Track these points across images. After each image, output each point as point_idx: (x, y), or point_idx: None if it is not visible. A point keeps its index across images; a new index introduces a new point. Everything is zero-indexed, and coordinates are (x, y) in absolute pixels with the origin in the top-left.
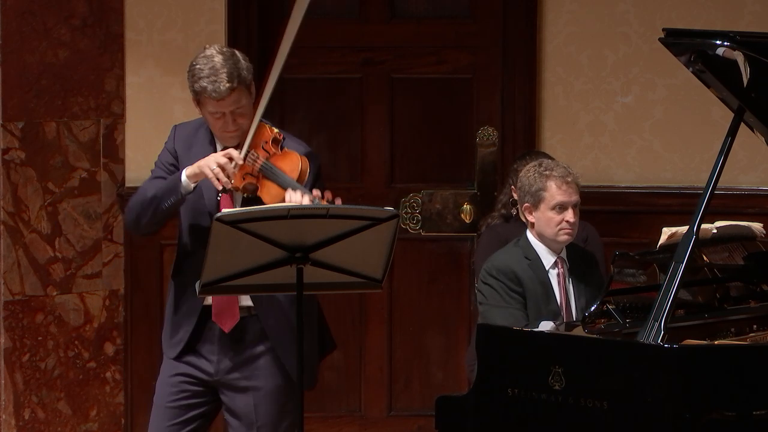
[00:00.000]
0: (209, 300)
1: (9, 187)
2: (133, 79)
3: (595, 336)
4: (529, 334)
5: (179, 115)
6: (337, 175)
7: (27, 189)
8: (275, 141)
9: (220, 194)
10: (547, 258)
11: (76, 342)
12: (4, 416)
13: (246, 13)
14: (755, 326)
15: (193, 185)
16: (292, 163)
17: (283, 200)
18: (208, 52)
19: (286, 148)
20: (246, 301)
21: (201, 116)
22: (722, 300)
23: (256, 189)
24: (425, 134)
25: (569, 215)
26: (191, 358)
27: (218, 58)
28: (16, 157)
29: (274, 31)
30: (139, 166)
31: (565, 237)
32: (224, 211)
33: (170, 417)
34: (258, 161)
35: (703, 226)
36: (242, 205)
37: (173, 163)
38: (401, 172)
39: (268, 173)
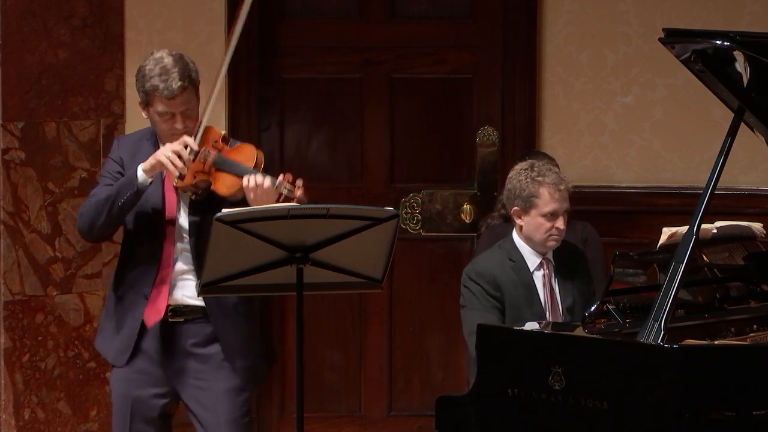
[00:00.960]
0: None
1: (9, 187)
2: (133, 79)
3: (595, 336)
4: (529, 334)
5: None
6: (337, 175)
7: (27, 189)
8: (224, 139)
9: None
10: (532, 259)
11: (76, 342)
12: (4, 416)
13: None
14: (755, 326)
15: (150, 179)
16: (246, 153)
17: (241, 189)
18: (157, 55)
19: (238, 143)
20: (199, 301)
21: (140, 129)
22: (722, 300)
23: (209, 185)
24: (425, 134)
25: (560, 223)
26: (145, 370)
27: (168, 60)
28: (16, 157)
29: (274, 31)
30: None
31: (553, 243)
32: (224, 211)
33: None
34: (209, 157)
35: (703, 226)
36: (190, 207)
37: (120, 171)
38: (401, 172)
39: (221, 165)
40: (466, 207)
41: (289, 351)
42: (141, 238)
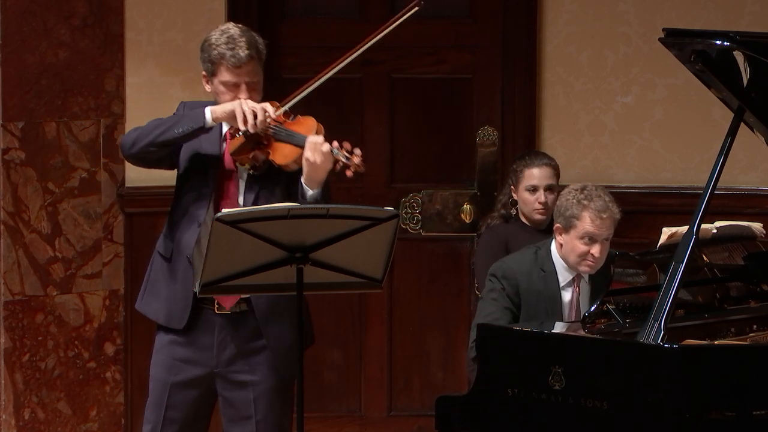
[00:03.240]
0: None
1: (9, 187)
2: (133, 79)
3: (595, 336)
4: (529, 334)
5: None
6: (337, 175)
7: (27, 189)
8: (285, 114)
9: (224, 140)
10: (564, 275)
11: (76, 342)
12: (4, 416)
13: (246, 13)
14: (755, 326)
15: (212, 124)
16: (307, 123)
17: (298, 159)
18: (223, 26)
19: (298, 117)
20: (243, 306)
21: (203, 100)
22: (722, 300)
23: (267, 156)
24: (425, 134)
25: (596, 249)
26: (191, 353)
27: (235, 29)
28: (16, 157)
29: (274, 31)
30: None
31: (586, 269)
32: (224, 211)
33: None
34: (268, 129)
35: (703, 226)
36: (246, 181)
37: None
38: (401, 172)
39: (280, 136)
40: (466, 207)
41: None
42: (196, 182)
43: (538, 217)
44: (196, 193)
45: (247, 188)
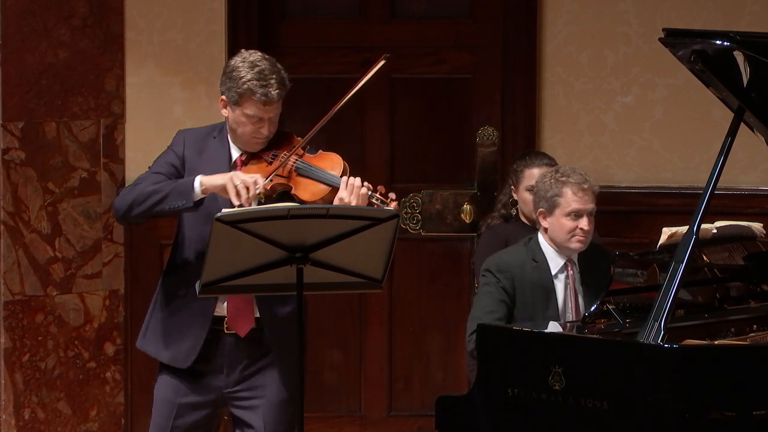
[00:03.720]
0: (220, 310)
1: (9, 187)
2: (133, 79)
3: (595, 336)
4: (529, 334)
5: (179, 115)
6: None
7: (27, 189)
8: (303, 147)
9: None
10: (556, 261)
11: (76, 342)
12: (4, 416)
13: (246, 13)
14: (755, 326)
15: (201, 197)
16: (332, 160)
17: (326, 197)
18: (251, 57)
19: (320, 151)
20: (256, 313)
21: (205, 125)
22: (722, 300)
23: (288, 190)
24: (425, 134)
25: (584, 222)
26: (198, 376)
27: (264, 64)
28: (16, 157)
29: (274, 31)
30: (139, 166)
31: (578, 245)
32: (224, 211)
33: None
34: (289, 162)
35: (703, 226)
36: (258, 203)
37: (175, 165)
38: (401, 172)
39: (303, 171)
40: (466, 207)
41: None
42: (202, 236)
43: None
44: (207, 225)
45: None
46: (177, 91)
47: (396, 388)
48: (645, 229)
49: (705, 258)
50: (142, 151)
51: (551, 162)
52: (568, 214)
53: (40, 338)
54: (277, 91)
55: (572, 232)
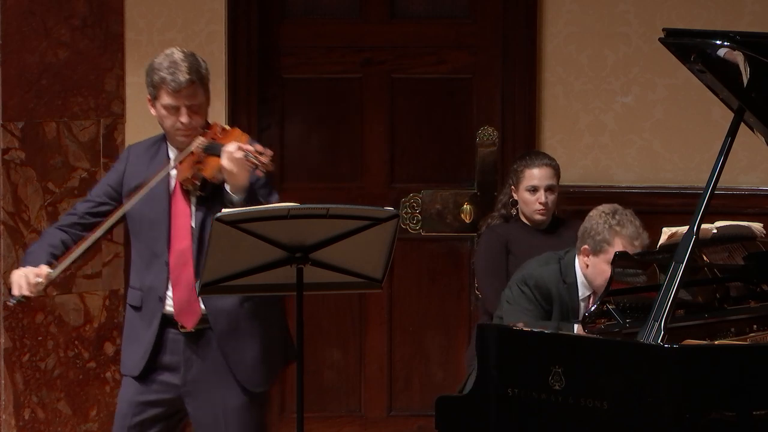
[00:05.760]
0: (167, 308)
1: (9, 187)
2: (133, 79)
3: (595, 336)
4: (529, 334)
5: None
6: (337, 175)
7: (27, 189)
8: (223, 130)
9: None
10: (583, 290)
11: (76, 342)
12: (4, 416)
13: (246, 13)
14: (755, 326)
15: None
16: (233, 134)
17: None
18: (168, 51)
19: (227, 128)
20: (206, 324)
21: (154, 135)
22: (722, 300)
23: (203, 177)
24: (425, 134)
25: None
26: (155, 376)
27: (178, 54)
28: (16, 157)
29: (274, 31)
30: None
31: None
32: (224, 211)
33: None
34: (201, 144)
35: (703, 226)
36: (196, 204)
37: (112, 185)
38: (401, 172)
39: (209, 150)
40: (466, 207)
41: None
42: (148, 243)
43: (538, 217)
44: (154, 231)
45: (197, 210)
46: None
47: (396, 388)
48: (645, 229)
49: (705, 258)
50: None
51: (551, 162)
52: (610, 263)
53: (40, 338)
54: (186, 77)
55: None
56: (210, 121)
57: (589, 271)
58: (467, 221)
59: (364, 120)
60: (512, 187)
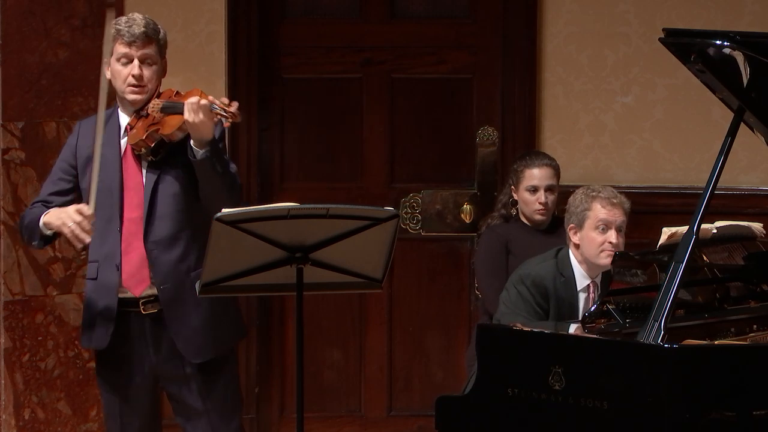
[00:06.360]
0: (122, 292)
1: (9, 187)
2: None
3: (595, 336)
4: (529, 334)
5: None
6: (337, 175)
7: (27, 189)
8: (177, 94)
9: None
10: (581, 281)
11: (76, 342)
12: (4, 416)
13: (246, 13)
14: (755, 326)
15: (49, 233)
16: (191, 93)
17: (182, 126)
18: (132, 16)
19: (180, 92)
20: (153, 290)
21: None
22: (722, 300)
23: (158, 135)
24: (425, 134)
25: (612, 236)
26: (129, 360)
27: (138, 15)
28: (16, 157)
29: (274, 31)
30: None
31: (607, 260)
32: (224, 211)
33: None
34: (156, 105)
35: (703, 226)
36: (147, 169)
37: (68, 162)
38: (401, 172)
39: (166, 109)
40: (466, 207)
41: (289, 351)
42: (104, 210)
43: (538, 217)
44: (107, 198)
45: (148, 174)
46: None
47: (396, 388)
48: (645, 229)
49: (705, 258)
50: None
51: (551, 162)
52: (597, 227)
53: (40, 338)
54: (142, 30)
55: (601, 246)
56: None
57: (581, 248)
58: (467, 221)
59: (364, 120)
60: (512, 187)
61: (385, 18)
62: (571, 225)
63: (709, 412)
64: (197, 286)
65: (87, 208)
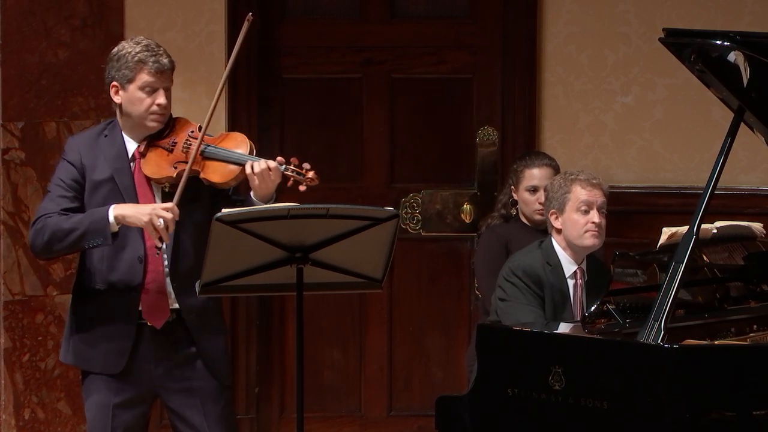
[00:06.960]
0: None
1: (9, 187)
2: None
3: (595, 336)
4: (529, 334)
5: (179, 116)
6: (337, 175)
7: (27, 189)
8: (200, 129)
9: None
10: (568, 267)
11: None
12: (4, 416)
13: (246, 13)
14: (755, 326)
15: (117, 230)
16: (236, 139)
17: (238, 177)
18: (134, 39)
19: (221, 132)
20: (173, 304)
21: (90, 128)
22: (722, 300)
23: (196, 175)
24: (425, 134)
25: (594, 216)
26: (128, 373)
27: (149, 41)
28: (16, 157)
29: (274, 31)
30: None
31: (592, 240)
32: (224, 211)
33: None
34: (192, 146)
35: (703, 226)
36: (162, 198)
37: (75, 179)
38: (401, 172)
39: (210, 154)
40: (466, 207)
41: (289, 351)
42: (122, 240)
43: (538, 217)
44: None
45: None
46: (177, 92)
47: (396, 388)
48: (645, 229)
49: (705, 258)
50: None
51: (551, 162)
52: (578, 209)
53: (40, 338)
54: (167, 59)
55: (585, 227)
56: (173, 115)
57: (564, 232)
58: (467, 221)
59: (364, 120)
60: (512, 187)
61: (385, 18)
62: (552, 210)
63: (709, 412)
64: (197, 286)
65: (172, 205)
